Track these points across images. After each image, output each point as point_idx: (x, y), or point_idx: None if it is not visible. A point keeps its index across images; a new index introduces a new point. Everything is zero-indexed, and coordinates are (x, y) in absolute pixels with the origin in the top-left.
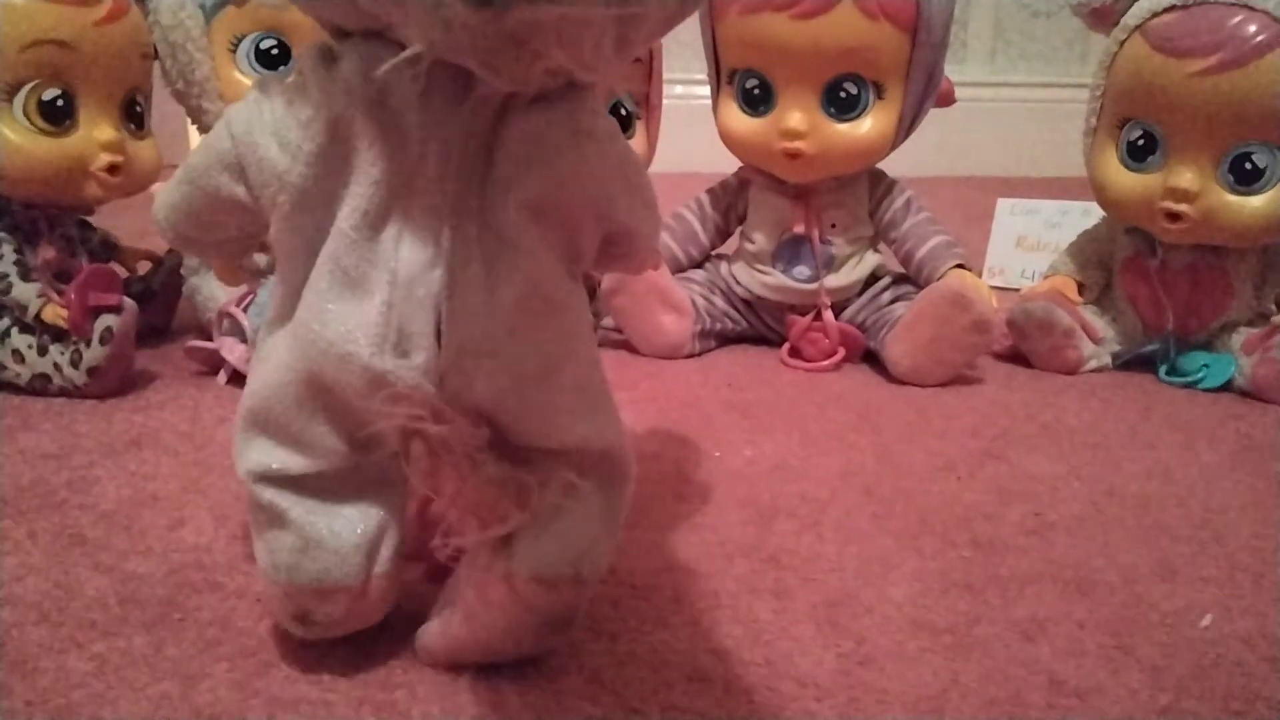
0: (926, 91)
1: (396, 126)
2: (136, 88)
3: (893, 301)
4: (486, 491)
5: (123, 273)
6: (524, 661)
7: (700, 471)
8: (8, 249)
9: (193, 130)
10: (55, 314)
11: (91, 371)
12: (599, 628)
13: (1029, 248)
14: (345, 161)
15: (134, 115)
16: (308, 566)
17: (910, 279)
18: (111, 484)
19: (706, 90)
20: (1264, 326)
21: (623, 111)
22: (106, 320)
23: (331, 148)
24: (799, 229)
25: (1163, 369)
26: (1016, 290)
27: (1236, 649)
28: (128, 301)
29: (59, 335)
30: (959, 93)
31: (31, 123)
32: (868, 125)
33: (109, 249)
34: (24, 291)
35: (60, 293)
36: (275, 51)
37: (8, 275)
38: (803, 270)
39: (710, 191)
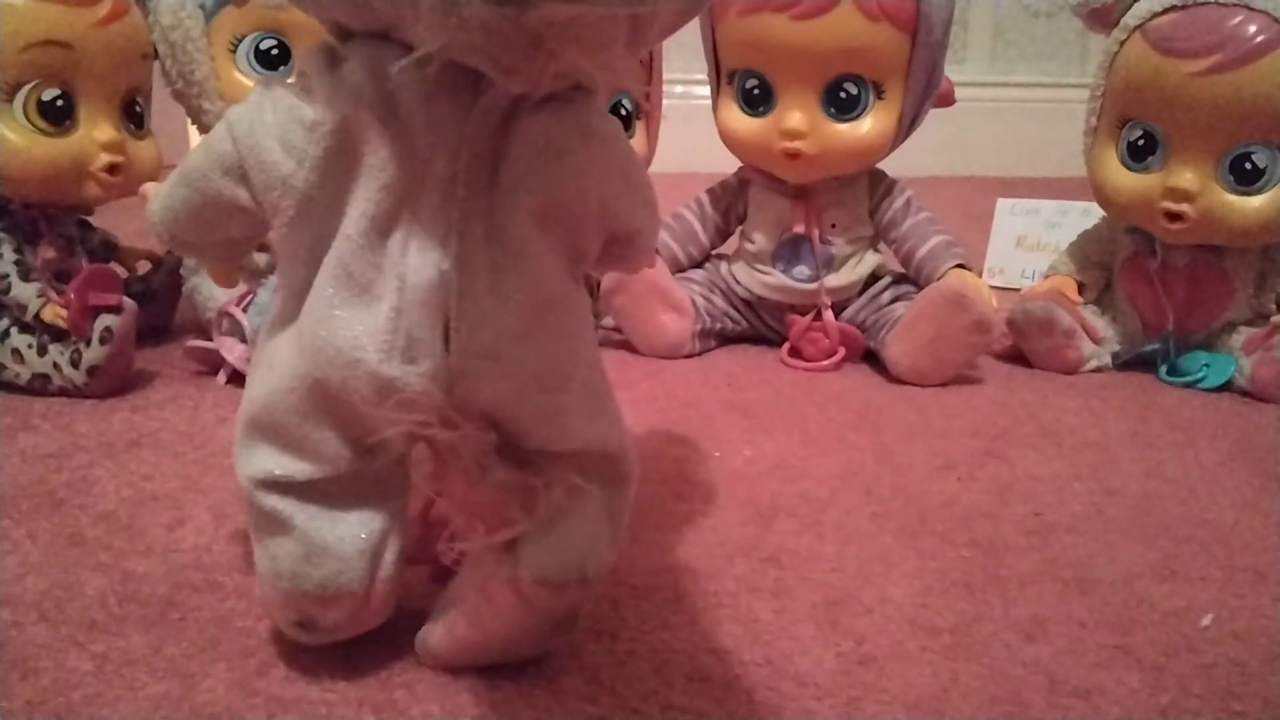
0: (926, 91)
1: (404, 129)
2: (136, 88)
3: (893, 301)
4: (494, 496)
5: (122, 273)
6: (524, 661)
7: (700, 471)
8: (7, 249)
9: (193, 130)
10: (55, 314)
11: (91, 371)
12: (599, 628)
13: (1029, 248)
14: (351, 165)
15: (134, 115)
16: (312, 573)
17: (910, 279)
18: (111, 484)
19: (706, 90)
20: (1264, 326)
21: (623, 111)
22: (106, 320)
23: (337, 151)
24: (799, 229)
25: (1163, 369)
26: (1016, 290)
27: (1236, 649)
28: (127, 301)
29: (59, 335)
30: (959, 93)
31: (31, 123)
32: (868, 125)
33: (109, 249)
34: (24, 291)
35: (60, 293)
36: (275, 52)
37: (7, 275)
38: (803, 270)
39: (710, 191)
